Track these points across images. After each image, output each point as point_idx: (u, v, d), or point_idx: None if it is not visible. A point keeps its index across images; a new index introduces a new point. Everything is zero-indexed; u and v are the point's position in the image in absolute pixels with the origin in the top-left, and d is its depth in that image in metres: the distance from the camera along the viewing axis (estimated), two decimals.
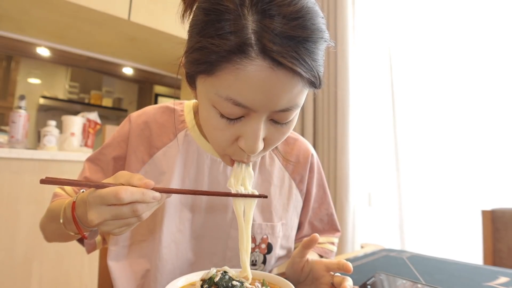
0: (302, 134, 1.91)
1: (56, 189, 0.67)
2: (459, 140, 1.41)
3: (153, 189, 0.43)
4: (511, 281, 0.66)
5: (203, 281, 0.44)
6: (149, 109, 0.68)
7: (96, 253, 0.82)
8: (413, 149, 1.57)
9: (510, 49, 1.32)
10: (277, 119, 0.45)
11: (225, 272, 0.45)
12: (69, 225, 0.51)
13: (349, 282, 0.51)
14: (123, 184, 0.42)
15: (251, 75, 0.39)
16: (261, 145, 0.46)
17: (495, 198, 1.29)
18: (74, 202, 0.49)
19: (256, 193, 0.49)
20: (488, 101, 1.36)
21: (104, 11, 1.97)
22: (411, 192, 1.55)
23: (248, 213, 0.48)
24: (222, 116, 0.44)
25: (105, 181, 0.43)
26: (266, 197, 0.50)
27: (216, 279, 0.43)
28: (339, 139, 1.75)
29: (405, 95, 1.62)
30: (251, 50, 0.38)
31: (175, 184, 0.62)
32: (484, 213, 1.10)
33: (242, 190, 0.49)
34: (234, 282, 0.43)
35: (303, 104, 0.46)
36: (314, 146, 1.90)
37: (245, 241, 0.48)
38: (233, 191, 0.48)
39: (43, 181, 0.40)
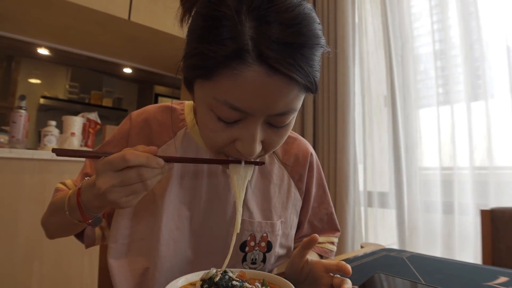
0: (302, 134, 1.91)
1: (58, 184, 0.69)
2: (459, 140, 1.41)
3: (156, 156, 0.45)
4: (511, 281, 0.66)
5: (203, 281, 0.44)
6: (150, 107, 0.69)
7: (96, 252, 0.83)
8: (413, 149, 1.57)
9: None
10: (273, 123, 0.46)
11: (225, 272, 0.45)
12: (74, 212, 0.52)
13: (348, 285, 0.51)
14: None
15: (248, 80, 0.40)
16: (258, 147, 0.47)
17: (495, 198, 1.29)
18: (79, 189, 0.51)
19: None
20: (487, 100, 1.36)
21: (104, 11, 1.97)
22: (411, 191, 1.55)
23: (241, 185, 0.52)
24: (220, 119, 0.45)
25: None
26: (263, 163, 0.53)
27: (216, 279, 0.43)
28: (339, 139, 1.75)
29: (405, 95, 1.62)
30: (248, 56, 0.39)
31: (174, 182, 0.63)
32: (483, 212, 1.09)
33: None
34: (234, 282, 0.43)
35: (303, 104, 0.47)
36: (314, 146, 1.90)
37: (238, 216, 0.50)
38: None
39: (55, 150, 0.43)
